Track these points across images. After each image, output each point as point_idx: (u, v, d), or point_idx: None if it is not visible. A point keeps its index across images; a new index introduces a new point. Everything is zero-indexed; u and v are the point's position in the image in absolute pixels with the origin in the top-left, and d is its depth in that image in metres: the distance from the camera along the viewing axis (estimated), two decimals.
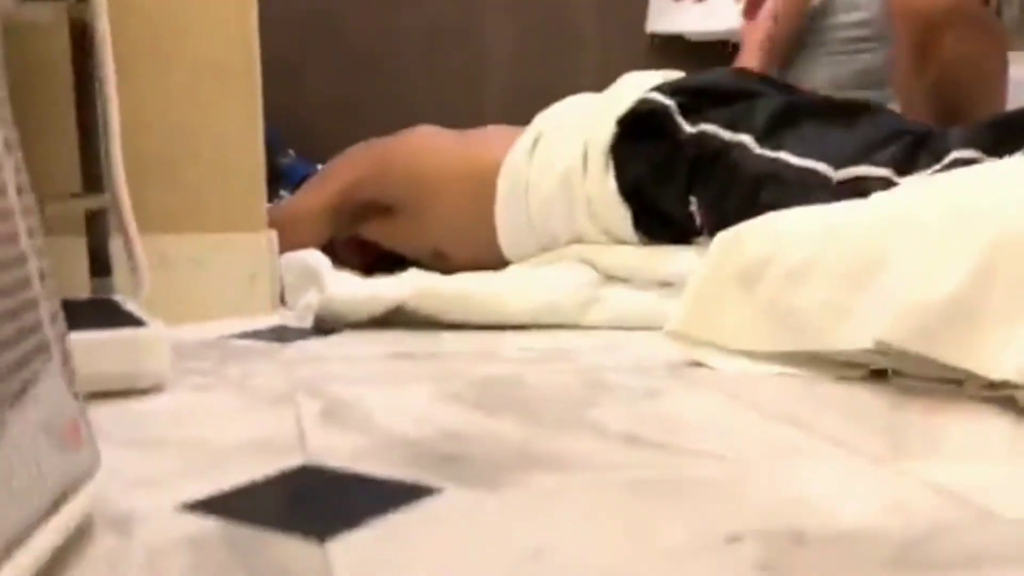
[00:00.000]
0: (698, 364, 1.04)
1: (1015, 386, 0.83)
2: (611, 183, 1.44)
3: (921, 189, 1.03)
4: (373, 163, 1.70)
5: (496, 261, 1.57)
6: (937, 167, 1.17)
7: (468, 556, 0.52)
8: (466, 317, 1.30)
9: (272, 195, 1.79)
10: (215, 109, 1.39)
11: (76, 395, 0.55)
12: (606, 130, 1.45)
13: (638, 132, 1.43)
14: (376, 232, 1.71)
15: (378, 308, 1.30)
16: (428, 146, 1.68)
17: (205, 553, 0.52)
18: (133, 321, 0.98)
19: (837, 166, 1.24)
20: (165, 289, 1.27)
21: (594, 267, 1.41)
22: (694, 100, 1.40)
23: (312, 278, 1.39)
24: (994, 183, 0.96)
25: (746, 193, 1.29)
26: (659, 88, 1.44)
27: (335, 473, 0.67)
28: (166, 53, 1.36)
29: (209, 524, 0.56)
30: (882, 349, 0.89)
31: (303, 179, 1.95)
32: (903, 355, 0.89)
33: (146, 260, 1.19)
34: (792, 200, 1.16)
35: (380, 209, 1.68)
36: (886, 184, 1.17)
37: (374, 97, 2.50)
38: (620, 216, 1.44)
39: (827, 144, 1.27)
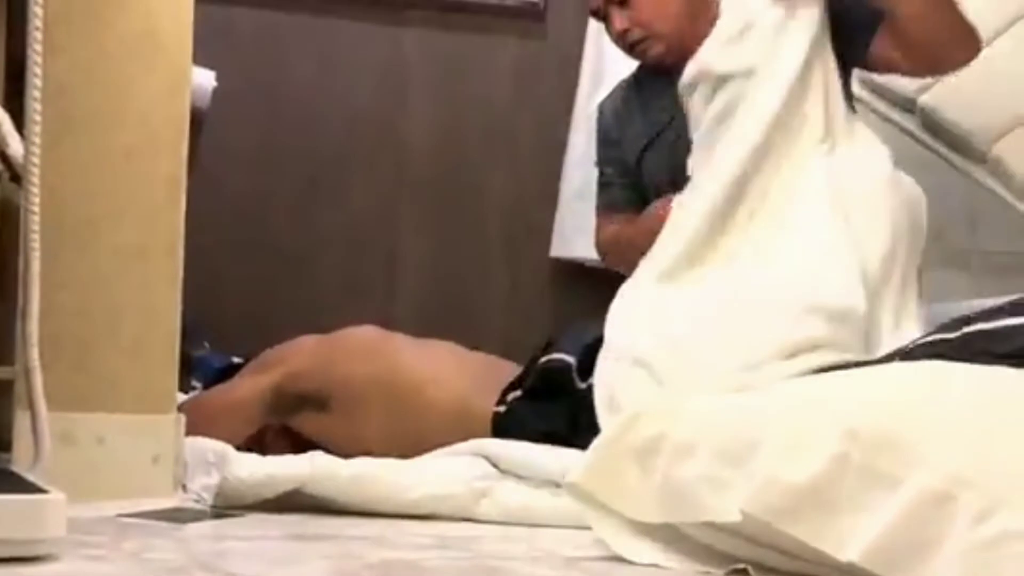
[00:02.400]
0: (591, 558, 1.07)
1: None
2: None
3: (789, 387, 1.13)
4: (315, 357, 1.70)
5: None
6: None
7: None
8: (363, 502, 1.31)
9: (183, 385, 1.79)
10: (136, 293, 1.42)
11: None
12: None
13: None
14: (308, 426, 1.68)
15: (276, 489, 1.30)
16: (370, 351, 1.70)
17: None
18: (29, 488, 0.98)
19: None
20: (66, 465, 1.26)
21: (492, 461, 1.43)
22: None
23: (214, 460, 1.40)
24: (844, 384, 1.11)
25: None
26: None
27: None
28: (91, 233, 1.40)
29: None
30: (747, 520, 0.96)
31: (218, 372, 1.96)
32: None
33: (49, 436, 1.19)
34: None
35: (316, 403, 1.67)
36: None
37: (290, 297, 2.58)
38: None
39: None
